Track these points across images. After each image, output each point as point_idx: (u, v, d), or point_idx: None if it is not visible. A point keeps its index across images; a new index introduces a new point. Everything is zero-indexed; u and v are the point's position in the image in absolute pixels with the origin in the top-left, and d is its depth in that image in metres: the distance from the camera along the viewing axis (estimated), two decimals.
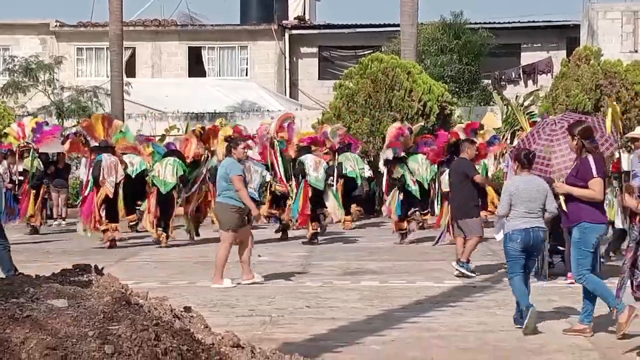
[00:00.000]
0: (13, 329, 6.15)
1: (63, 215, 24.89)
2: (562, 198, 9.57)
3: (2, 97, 31.43)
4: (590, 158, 9.47)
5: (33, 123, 22.07)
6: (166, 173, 18.68)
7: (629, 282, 8.71)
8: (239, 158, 13.60)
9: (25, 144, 21.98)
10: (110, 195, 18.54)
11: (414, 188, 18.83)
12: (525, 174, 10.16)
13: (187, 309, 8.05)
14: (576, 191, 9.44)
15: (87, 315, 6.49)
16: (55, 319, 6.36)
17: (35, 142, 21.67)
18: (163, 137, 23.05)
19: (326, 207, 19.39)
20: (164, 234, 18.76)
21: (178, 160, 18.98)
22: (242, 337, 7.64)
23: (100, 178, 18.45)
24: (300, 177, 19.14)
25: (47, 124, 23.32)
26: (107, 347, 6.07)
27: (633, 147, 22.50)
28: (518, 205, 10.01)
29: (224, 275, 13.43)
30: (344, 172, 23.04)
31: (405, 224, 18.83)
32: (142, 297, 7.64)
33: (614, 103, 9.82)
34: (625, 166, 15.18)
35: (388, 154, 18.89)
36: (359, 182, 23.64)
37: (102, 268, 8.46)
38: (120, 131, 19.81)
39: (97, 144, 19.01)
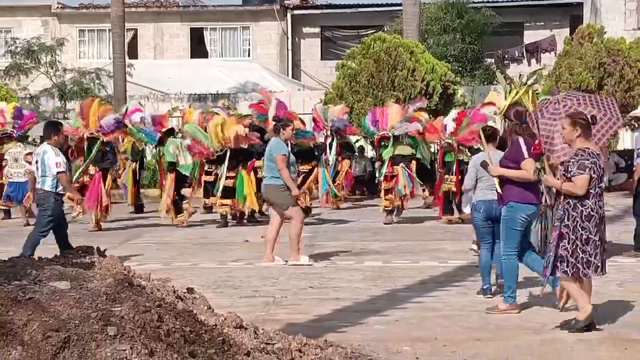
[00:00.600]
0: (16, 311, 6.15)
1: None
2: (496, 180, 9.87)
3: (4, 79, 31.40)
4: (521, 140, 9.80)
5: (11, 108, 21.98)
6: (186, 157, 18.81)
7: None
8: (286, 139, 13.65)
9: (5, 130, 21.80)
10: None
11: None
12: (491, 148, 10.74)
13: (190, 290, 8.06)
14: (509, 172, 9.76)
15: (89, 297, 6.49)
16: (57, 301, 6.36)
17: (16, 128, 21.61)
18: None
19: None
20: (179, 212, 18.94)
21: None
22: (245, 318, 7.64)
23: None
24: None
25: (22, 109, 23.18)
26: (110, 328, 6.07)
27: (637, 125, 22.50)
28: (483, 179, 10.62)
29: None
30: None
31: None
32: (145, 279, 7.65)
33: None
34: (628, 144, 15.17)
35: (415, 126, 18.85)
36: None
37: (105, 250, 8.47)
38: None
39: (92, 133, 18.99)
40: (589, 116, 9.11)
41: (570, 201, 8.80)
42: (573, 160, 8.80)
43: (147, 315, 6.29)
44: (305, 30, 39.87)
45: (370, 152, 27.09)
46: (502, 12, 37.04)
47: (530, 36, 38.33)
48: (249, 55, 39.46)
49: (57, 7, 39.40)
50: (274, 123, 14.78)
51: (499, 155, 10.31)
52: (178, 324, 6.44)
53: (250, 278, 12.33)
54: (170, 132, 19.72)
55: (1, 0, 39.60)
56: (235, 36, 39.87)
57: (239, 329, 7.15)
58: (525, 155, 9.66)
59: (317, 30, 39.92)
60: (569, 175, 8.80)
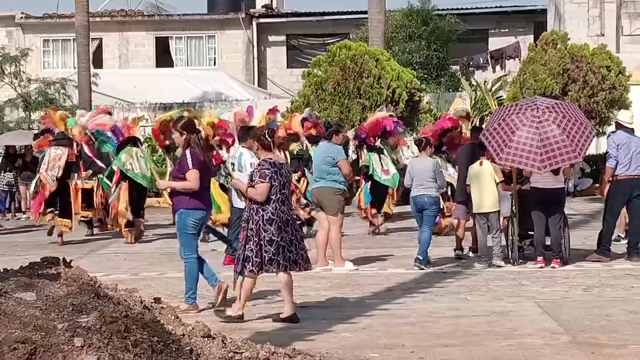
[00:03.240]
0: None
1: None
2: (165, 193, 10.60)
3: None
4: (188, 152, 10.48)
5: None
6: (141, 165, 18.28)
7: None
8: (337, 144, 13.96)
9: None
10: (52, 189, 18.00)
11: (384, 178, 18.45)
12: (422, 156, 13.95)
13: (157, 300, 8.04)
14: (175, 185, 10.66)
15: (56, 308, 6.45)
16: (23, 312, 6.32)
17: None
18: None
19: None
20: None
21: (144, 150, 18.88)
22: (213, 328, 7.64)
23: (40, 171, 18.18)
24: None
25: None
26: (77, 339, 6.03)
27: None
28: (414, 179, 13.78)
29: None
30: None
31: (374, 212, 18.57)
32: (112, 289, 7.62)
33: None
34: (592, 150, 15.38)
35: (350, 133, 18.76)
36: None
37: (71, 260, 8.42)
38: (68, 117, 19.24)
39: (55, 137, 18.59)
40: (265, 131, 10.17)
41: (254, 206, 9.72)
42: (256, 169, 9.75)
43: (114, 325, 6.26)
44: (271, 38, 39.89)
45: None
46: (467, 20, 37.26)
47: (495, 43, 38.56)
48: (214, 64, 39.44)
49: (21, 17, 39.19)
50: (326, 128, 14.92)
51: (423, 160, 13.76)
52: (145, 334, 6.41)
53: None
54: (130, 141, 19.04)
55: None
56: (201, 45, 39.83)
57: (206, 339, 7.13)
58: (190, 166, 10.35)
59: (282, 38, 39.96)
60: (252, 183, 9.66)
